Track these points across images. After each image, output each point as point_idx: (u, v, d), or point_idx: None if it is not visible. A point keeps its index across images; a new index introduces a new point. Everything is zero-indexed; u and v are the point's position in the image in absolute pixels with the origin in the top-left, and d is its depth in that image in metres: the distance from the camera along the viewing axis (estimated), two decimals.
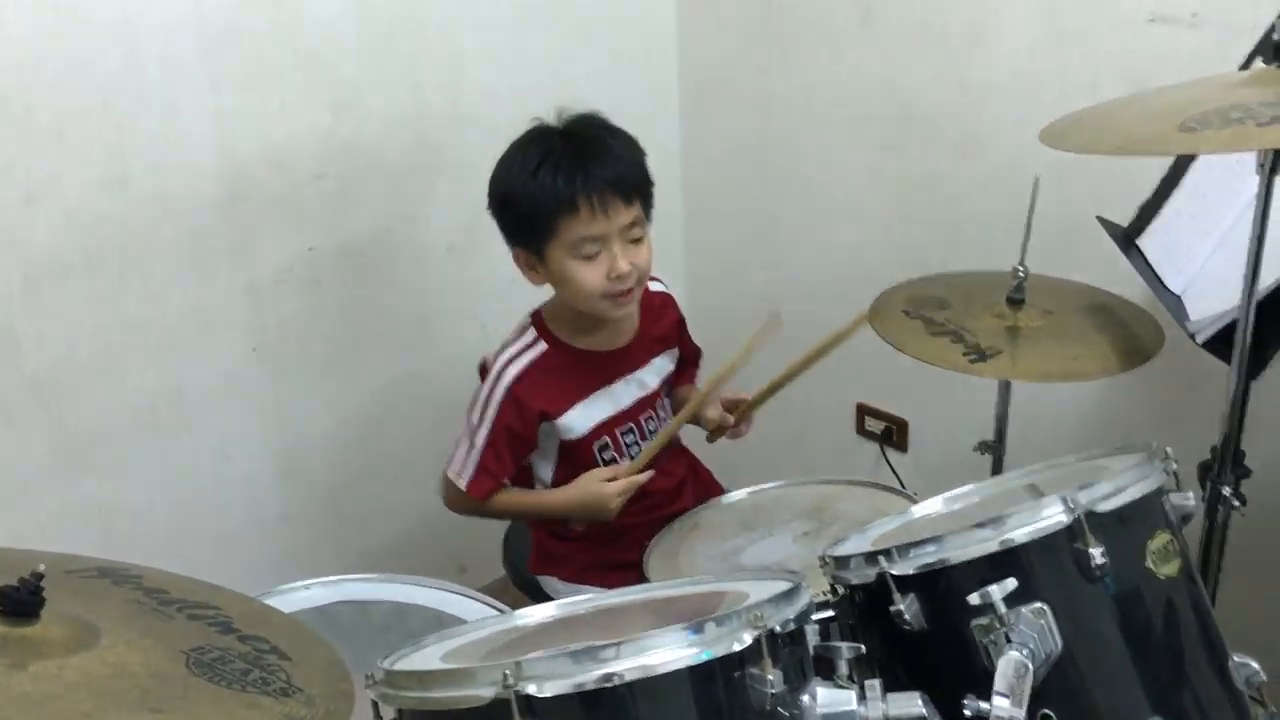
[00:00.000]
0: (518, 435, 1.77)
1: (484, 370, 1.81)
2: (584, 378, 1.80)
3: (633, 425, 1.85)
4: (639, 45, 2.63)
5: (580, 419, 1.79)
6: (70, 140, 1.87)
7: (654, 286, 1.92)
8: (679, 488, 1.91)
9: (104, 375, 2.00)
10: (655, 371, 1.89)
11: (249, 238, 2.12)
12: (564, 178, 1.64)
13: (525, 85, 2.42)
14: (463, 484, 1.78)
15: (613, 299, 1.70)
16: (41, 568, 0.98)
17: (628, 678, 0.98)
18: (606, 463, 1.82)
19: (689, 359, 2.00)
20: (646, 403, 1.87)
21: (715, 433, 1.94)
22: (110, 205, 1.94)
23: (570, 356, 1.79)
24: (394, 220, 2.32)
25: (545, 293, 1.85)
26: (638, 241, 1.71)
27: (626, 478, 1.75)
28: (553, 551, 1.91)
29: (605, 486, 1.74)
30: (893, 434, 2.63)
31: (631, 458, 1.84)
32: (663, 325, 1.91)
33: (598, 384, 1.81)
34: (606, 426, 1.81)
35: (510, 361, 1.77)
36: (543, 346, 1.78)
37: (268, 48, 2.05)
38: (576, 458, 1.81)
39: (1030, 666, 1.12)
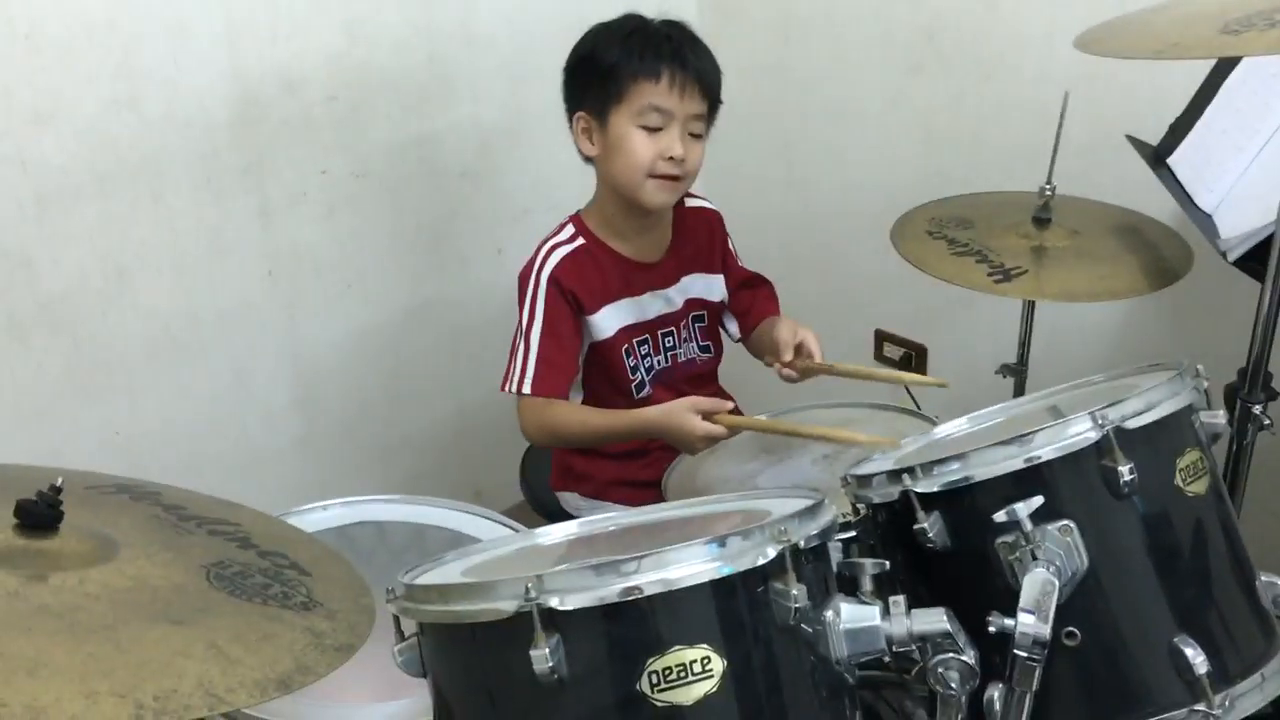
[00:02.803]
0: (569, 318, 1.76)
1: (524, 274, 1.79)
2: (615, 280, 1.80)
3: (648, 337, 1.84)
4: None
5: (608, 320, 1.79)
6: (77, 59, 1.84)
7: (697, 203, 1.91)
8: None
9: (118, 298, 1.99)
10: (682, 291, 1.87)
11: (261, 160, 2.09)
12: (655, 49, 1.68)
13: (539, 5, 2.37)
14: (527, 387, 1.72)
15: (658, 180, 1.71)
16: (59, 481, 0.97)
17: (649, 591, 0.97)
18: (631, 369, 1.82)
19: (752, 283, 1.97)
20: (669, 320, 1.87)
21: (771, 352, 1.80)
22: (120, 126, 1.91)
23: (605, 256, 1.80)
24: (407, 143, 2.29)
25: (564, 207, 1.85)
26: (696, 138, 1.73)
27: (724, 421, 1.64)
28: (573, 468, 1.91)
29: (691, 424, 1.62)
30: (912, 360, 2.62)
31: (646, 371, 1.84)
32: (699, 242, 1.89)
33: (626, 291, 1.81)
34: (628, 333, 1.81)
35: (549, 252, 1.78)
36: (581, 241, 1.79)
37: None
38: (605, 359, 1.81)
39: (1056, 584, 1.10)
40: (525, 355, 1.74)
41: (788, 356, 1.75)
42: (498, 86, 2.39)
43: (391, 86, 2.23)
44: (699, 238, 1.90)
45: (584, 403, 1.85)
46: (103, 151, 1.90)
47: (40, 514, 0.96)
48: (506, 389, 1.76)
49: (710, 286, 1.92)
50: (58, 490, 0.97)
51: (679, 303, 1.87)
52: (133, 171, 1.94)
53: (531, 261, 1.79)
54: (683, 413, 1.63)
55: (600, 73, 1.70)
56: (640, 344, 1.84)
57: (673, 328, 1.87)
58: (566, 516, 1.90)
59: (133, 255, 1.98)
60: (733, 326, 1.98)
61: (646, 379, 1.85)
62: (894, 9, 2.35)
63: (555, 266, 1.76)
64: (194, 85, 1.98)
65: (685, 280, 1.88)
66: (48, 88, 1.82)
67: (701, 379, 1.96)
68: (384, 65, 2.21)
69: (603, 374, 1.82)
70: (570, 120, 1.77)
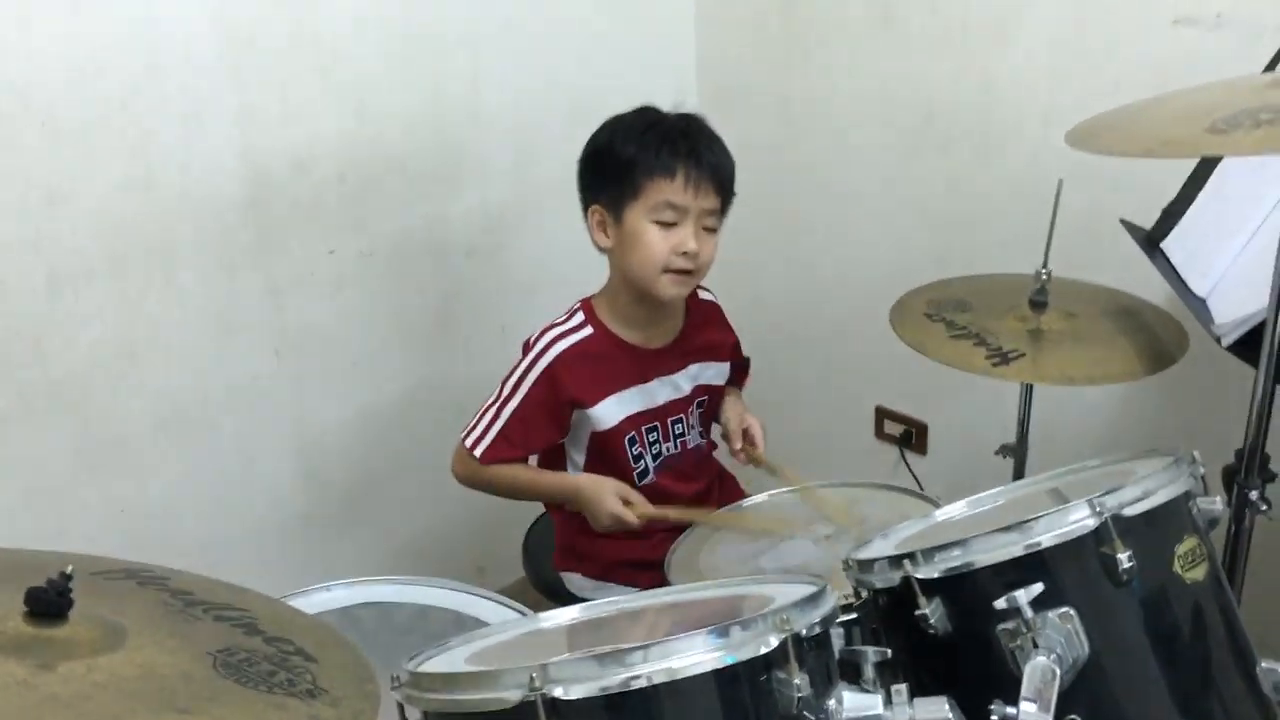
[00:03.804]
0: (549, 413, 1.78)
1: (526, 348, 1.82)
2: (622, 369, 1.81)
3: (658, 424, 1.86)
4: (658, 46, 2.63)
5: (612, 411, 1.80)
6: (93, 142, 1.88)
7: (704, 295, 1.94)
8: (705, 493, 1.92)
9: (127, 377, 2.01)
10: (690, 378, 1.89)
11: (271, 240, 2.13)
12: (670, 146, 1.70)
13: (544, 87, 2.43)
14: (478, 451, 1.78)
15: (671, 275, 1.74)
16: (69, 569, 0.98)
17: (654, 681, 0.98)
18: (635, 458, 1.83)
19: (740, 368, 2.02)
20: (678, 406, 1.88)
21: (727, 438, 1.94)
22: (133, 207, 1.95)
23: (613, 345, 1.81)
24: (414, 223, 2.33)
25: (573, 293, 1.88)
26: (710, 231, 1.76)
27: (638, 511, 1.75)
28: (576, 548, 1.91)
29: (608, 501, 1.74)
30: (912, 437, 2.63)
31: (653, 456, 1.85)
32: (708, 334, 1.92)
33: (634, 379, 1.82)
34: (634, 421, 1.83)
35: (555, 340, 1.79)
36: (589, 330, 1.80)
37: (289, 50, 2.06)
38: (607, 448, 1.82)
39: (1057, 672, 1.11)
40: (491, 423, 1.79)
41: (737, 445, 1.87)
42: (504, 167, 2.43)
43: (399, 167, 2.27)
44: (708, 328, 1.93)
45: None
46: (115, 232, 1.94)
47: (50, 602, 0.96)
48: (465, 441, 1.80)
49: (720, 373, 1.94)
50: (68, 578, 0.98)
51: (687, 389, 1.89)
52: (144, 252, 1.98)
53: (535, 341, 1.80)
54: (606, 491, 1.74)
55: (616, 168, 1.72)
56: (649, 431, 1.85)
57: (681, 415, 1.89)
58: (569, 596, 1.90)
59: (143, 335, 2.01)
60: None
61: (651, 466, 1.86)
62: (893, 92, 2.40)
63: (557, 357, 1.77)
64: (206, 167, 2.01)
65: (694, 368, 1.89)
66: (62, 170, 1.86)
67: (704, 462, 1.97)
68: (392, 146, 2.25)
69: (604, 461, 1.83)
70: (585, 212, 1.79)
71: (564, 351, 1.77)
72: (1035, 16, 2.14)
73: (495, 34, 2.33)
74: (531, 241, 2.49)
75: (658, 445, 1.86)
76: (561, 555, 1.95)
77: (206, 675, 0.98)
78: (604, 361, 1.80)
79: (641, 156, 1.70)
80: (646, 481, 1.85)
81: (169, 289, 2.02)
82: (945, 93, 2.32)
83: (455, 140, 2.34)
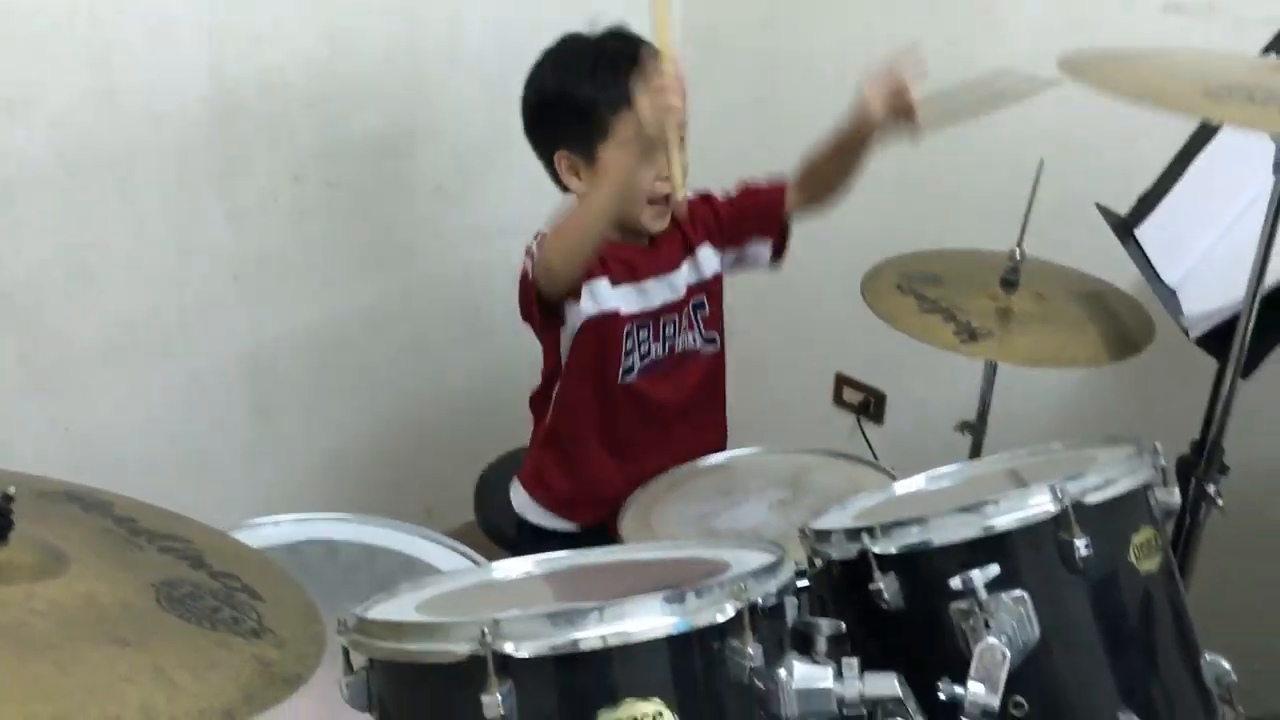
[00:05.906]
0: None
1: (529, 253, 1.75)
2: (619, 264, 1.77)
3: (649, 324, 1.82)
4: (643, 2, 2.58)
5: (609, 296, 1.76)
6: (54, 49, 1.82)
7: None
8: (690, 405, 1.89)
9: (79, 293, 1.96)
10: (684, 278, 1.84)
11: (235, 162, 2.08)
12: (622, 75, 1.63)
13: (525, 31, 2.36)
14: (547, 229, 1.72)
15: (655, 206, 1.73)
16: (12, 489, 0.95)
17: (607, 643, 0.97)
18: (627, 352, 1.80)
19: (772, 188, 1.94)
20: (673, 308, 1.83)
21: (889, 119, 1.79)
22: (95, 118, 1.89)
23: (608, 247, 1.74)
24: (383, 156, 2.28)
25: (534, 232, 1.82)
26: (681, 141, 1.70)
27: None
28: (544, 476, 1.91)
29: (644, 101, 1.53)
30: (870, 406, 2.63)
31: (641, 356, 1.82)
32: (694, 222, 1.86)
33: (630, 275, 1.78)
34: (629, 318, 1.78)
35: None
36: None
37: None
38: (602, 336, 1.77)
39: (1007, 654, 1.11)
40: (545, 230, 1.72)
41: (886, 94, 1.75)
42: (478, 107, 2.38)
43: (371, 98, 2.22)
44: (694, 216, 1.86)
45: (561, 390, 1.84)
46: (74, 143, 1.88)
47: None
48: (529, 258, 1.72)
49: (710, 260, 1.88)
50: (10, 499, 0.95)
51: (682, 289, 1.84)
52: (103, 165, 1.92)
53: (534, 241, 1.75)
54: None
55: (576, 111, 1.69)
56: (640, 329, 1.81)
57: (675, 315, 1.84)
58: (519, 542, 1.89)
59: (97, 250, 1.96)
60: (763, 249, 1.93)
61: (638, 364, 1.82)
62: (877, 57, 2.36)
63: None
64: (172, 82, 1.96)
65: (686, 267, 1.84)
66: (20, 76, 1.80)
67: (709, 378, 1.93)
68: (365, 76, 2.20)
69: (594, 351, 1.78)
70: (549, 160, 1.75)
71: None
72: None
73: None
74: (499, 185, 2.45)
75: (646, 345, 1.82)
76: (529, 476, 1.93)
77: (149, 608, 0.95)
78: (604, 254, 1.74)
79: (601, 94, 1.66)
80: (629, 380, 1.81)
81: (127, 205, 1.97)
82: (930, 66, 2.29)
83: (430, 75, 2.29)
